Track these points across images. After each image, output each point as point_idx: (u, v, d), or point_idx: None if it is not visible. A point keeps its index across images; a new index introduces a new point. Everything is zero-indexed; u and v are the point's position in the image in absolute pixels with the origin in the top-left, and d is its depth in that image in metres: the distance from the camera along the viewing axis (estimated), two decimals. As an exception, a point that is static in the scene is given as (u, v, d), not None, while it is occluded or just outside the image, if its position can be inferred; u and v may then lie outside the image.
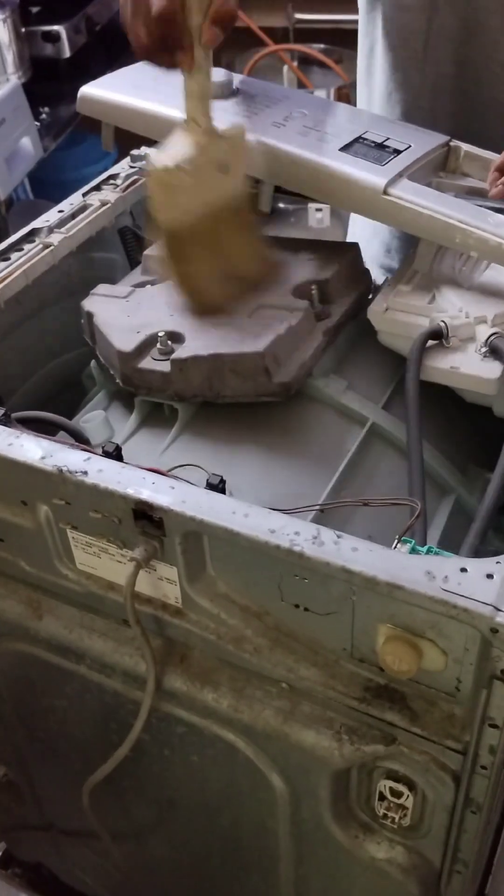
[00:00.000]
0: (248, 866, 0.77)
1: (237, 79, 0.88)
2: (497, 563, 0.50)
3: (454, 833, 0.60)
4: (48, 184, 1.75)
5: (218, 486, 0.58)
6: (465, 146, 0.89)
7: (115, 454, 0.60)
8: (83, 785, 0.74)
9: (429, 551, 0.53)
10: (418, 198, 0.74)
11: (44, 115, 1.68)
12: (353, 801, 0.64)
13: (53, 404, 0.83)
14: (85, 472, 0.57)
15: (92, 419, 0.75)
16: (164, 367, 0.72)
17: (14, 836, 1.05)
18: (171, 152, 0.73)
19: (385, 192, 0.74)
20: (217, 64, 0.97)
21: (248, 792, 0.67)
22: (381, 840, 0.64)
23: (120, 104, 0.86)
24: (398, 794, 0.60)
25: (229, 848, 0.76)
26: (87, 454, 0.58)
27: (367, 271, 0.88)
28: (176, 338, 0.74)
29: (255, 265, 0.79)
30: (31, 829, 0.97)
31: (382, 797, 0.61)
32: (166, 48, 0.70)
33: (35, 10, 1.86)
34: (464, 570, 0.50)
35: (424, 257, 0.78)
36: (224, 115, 0.82)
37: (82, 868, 0.99)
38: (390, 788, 0.60)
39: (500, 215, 0.74)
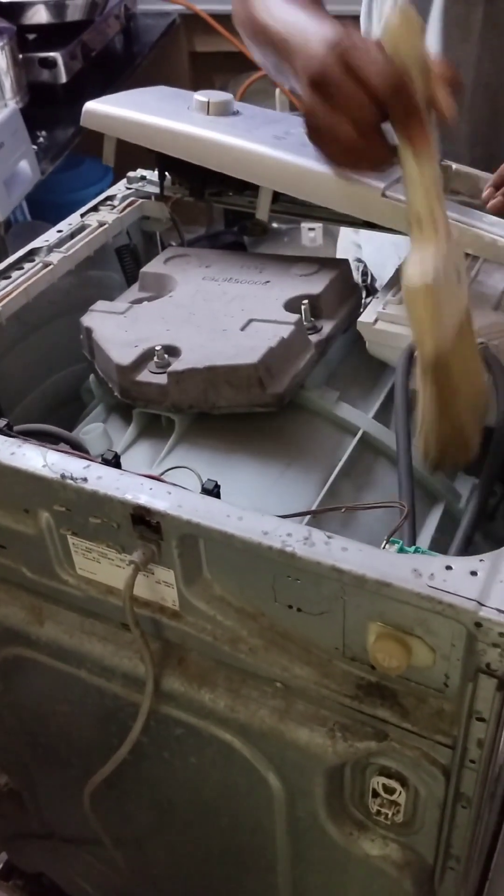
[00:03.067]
0: (246, 867, 0.78)
1: (236, 104, 0.92)
2: (480, 560, 0.52)
3: (446, 828, 0.62)
4: (45, 205, 1.78)
5: (213, 491, 0.60)
6: (455, 164, 0.92)
7: (114, 462, 0.62)
8: (84, 789, 0.75)
9: (416, 551, 0.55)
10: None
11: (41, 139, 1.71)
12: (347, 799, 0.65)
13: (53, 419, 0.85)
14: (85, 479, 0.59)
15: (91, 431, 0.77)
16: (162, 379, 0.74)
17: (15, 845, 1.06)
18: (422, 265, 0.60)
19: (384, 194, 0.78)
20: (210, 87, 1.01)
21: (245, 792, 0.69)
22: (375, 837, 0.66)
23: (124, 117, 0.90)
24: (391, 791, 0.62)
25: (228, 849, 0.78)
26: (86, 462, 0.60)
27: (357, 286, 0.90)
28: (172, 351, 0.76)
29: (485, 392, 0.67)
30: (33, 837, 0.98)
31: (376, 794, 0.63)
32: (378, 142, 0.57)
33: (32, 37, 1.90)
34: (449, 567, 0.52)
35: None
36: (228, 128, 0.85)
37: (83, 876, 1.00)
38: (383, 785, 0.62)
39: (494, 217, 0.77)
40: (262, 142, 0.83)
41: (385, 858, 0.66)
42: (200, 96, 0.91)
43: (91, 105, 0.91)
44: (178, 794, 0.76)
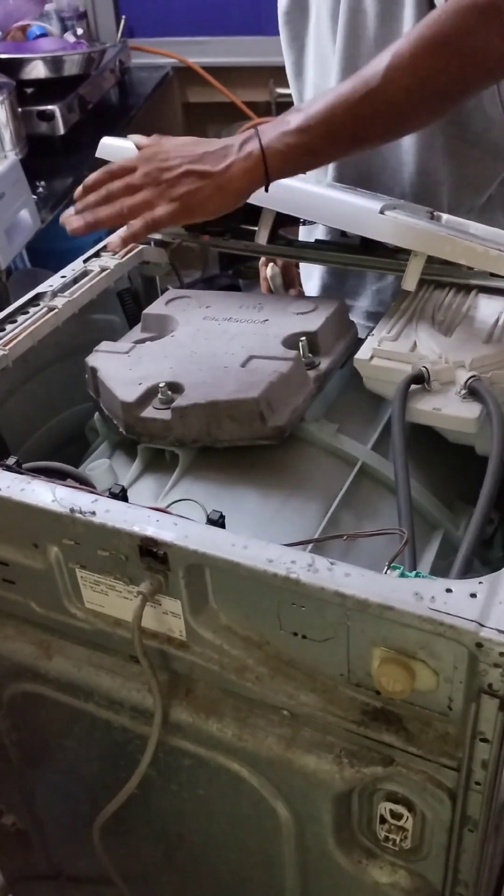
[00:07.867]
0: (255, 900, 0.78)
1: None
2: (480, 583, 0.54)
3: (453, 853, 0.63)
4: (45, 253, 1.82)
5: (218, 522, 0.62)
6: (445, 215, 0.96)
7: (121, 495, 0.64)
8: (92, 826, 0.76)
9: (417, 576, 0.57)
10: (410, 218, 0.83)
11: (40, 189, 1.75)
12: (355, 827, 0.66)
13: (58, 457, 0.86)
14: (93, 513, 0.61)
15: (97, 467, 0.79)
16: (165, 415, 0.77)
17: (22, 887, 1.05)
18: None
19: (381, 212, 0.83)
20: (204, 136, 1.05)
21: (253, 822, 0.70)
22: (383, 864, 0.66)
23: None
24: (398, 816, 0.63)
25: (237, 881, 0.78)
26: (94, 496, 0.62)
27: (352, 323, 0.93)
28: (175, 388, 0.78)
29: None
30: (40, 878, 0.97)
31: (383, 820, 0.64)
32: None
33: (30, 90, 1.96)
34: (449, 590, 0.53)
35: (413, 274, 0.84)
36: None
37: (91, 918, 0.99)
38: (390, 811, 0.63)
39: (481, 225, 0.83)
40: None
41: (394, 886, 0.66)
42: None
43: (106, 139, 0.96)
44: (187, 827, 0.76)
